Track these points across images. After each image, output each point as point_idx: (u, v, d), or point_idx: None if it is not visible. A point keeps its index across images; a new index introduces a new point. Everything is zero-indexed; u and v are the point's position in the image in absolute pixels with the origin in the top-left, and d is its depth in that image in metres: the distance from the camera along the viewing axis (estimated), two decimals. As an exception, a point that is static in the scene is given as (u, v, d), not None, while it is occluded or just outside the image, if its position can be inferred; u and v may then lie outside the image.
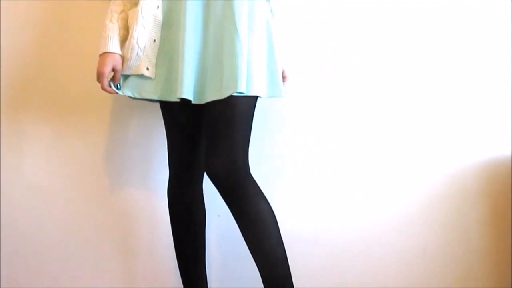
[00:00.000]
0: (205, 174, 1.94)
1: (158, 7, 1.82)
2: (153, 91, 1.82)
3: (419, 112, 2.16)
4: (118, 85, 1.83)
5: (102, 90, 2.13)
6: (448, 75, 2.16)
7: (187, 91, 1.74)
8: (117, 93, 1.83)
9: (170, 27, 1.83)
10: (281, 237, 1.75)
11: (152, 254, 2.18)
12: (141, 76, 1.82)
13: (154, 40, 1.82)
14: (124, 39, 1.83)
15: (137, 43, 1.80)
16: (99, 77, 1.81)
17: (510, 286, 2.16)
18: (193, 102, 1.77)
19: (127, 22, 1.85)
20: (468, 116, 2.16)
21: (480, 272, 2.18)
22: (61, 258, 2.18)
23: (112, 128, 2.16)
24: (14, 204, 2.17)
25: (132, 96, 1.84)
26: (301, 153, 2.17)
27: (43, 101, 2.15)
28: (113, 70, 1.82)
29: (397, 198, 2.17)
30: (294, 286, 2.17)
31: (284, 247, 1.77)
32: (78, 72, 2.15)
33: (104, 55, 1.81)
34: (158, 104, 1.99)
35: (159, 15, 1.82)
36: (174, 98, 1.78)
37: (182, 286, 1.99)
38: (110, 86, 1.83)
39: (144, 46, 1.81)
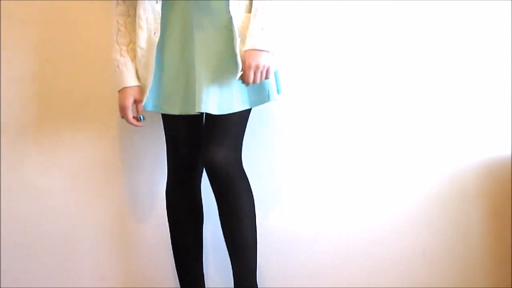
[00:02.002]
0: (202, 176, 1.99)
1: (154, 33, 1.84)
2: (173, 107, 1.87)
3: (418, 112, 2.16)
4: (141, 116, 1.90)
5: (102, 91, 2.14)
6: (448, 75, 2.16)
7: (205, 106, 1.79)
8: (140, 121, 1.91)
9: (185, 41, 1.85)
10: (255, 233, 1.89)
11: (151, 254, 2.18)
12: (160, 92, 1.87)
13: (151, 67, 1.85)
14: (136, 70, 1.89)
15: (140, 74, 1.88)
16: (123, 111, 1.89)
17: (510, 286, 2.16)
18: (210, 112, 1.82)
19: (135, 52, 1.89)
20: (468, 116, 2.16)
21: (480, 272, 2.18)
22: (61, 258, 2.18)
23: (111, 129, 2.16)
24: (14, 204, 2.16)
25: (154, 111, 1.90)
26: (301, 154, 2.17)
27: (43, 101, 2.15)
28: (134, 101, 1.89)
29: (397, 199, 2.17)
30: (294, 286, 2.18)
31: (255, 239, 1.89)
32: (78, 72, 2.15)
33: (123, 90, 1.88)
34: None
35: (155, 40, 1.84)
36: (194, 112, 1.81)
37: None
38: (134, 118, 1.90)
39: (145, 74, 1.87)
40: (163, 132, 1.98)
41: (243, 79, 1.78)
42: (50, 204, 2.17)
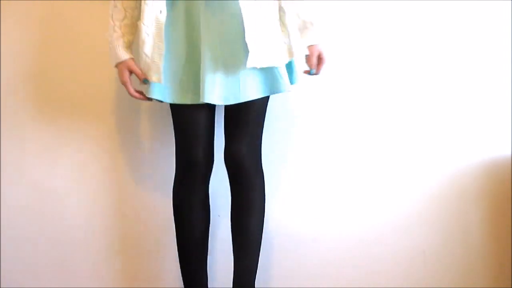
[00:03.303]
0: (211, 174, 1.95)
1: (161, 11, 1.80)
2: (185, 96, 1.82)
3: (419, 112, 2.16)
4: (145, 80, 1.83)
5: (102, 90, 2.14)
6: (448, 75, 2.16)
7: (210, 96, 1.77)
8: (148, 98, 1.84)
9: (192, 29, 1.81)
10: (260, 232, 1.92)
11: (152, 254, 2.17)
12: (170, 79, 1.81)
13: (159, 47, 1.80)
14: (129, 44, 1.86)
15: (144, 52, 1.81)
16: (125, 86, 1.85)
17: (510, 286, 2.16)
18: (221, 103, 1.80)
19: (131, 28, 1.86)
20: (468, 116, 2.16)
21: (480, 272, 2.18)
22: (61, 258, 2.18)
23: (112, 128, 2.16)
24: (14, 204, 2.16)
25: (162, 101, 1.84)
26: (301, 154, 2.17)
27: (43, 101, 2.15)
28: (131, 72, 1.84)
29: (397, 198, 2.17)
30: (294, 287, 2.18)
31: (261, 239, 1.92)
32: (79, 72, 2.15)
33: (118, 66, 1.85)
34: (161, 104, 1.99)
35: (162, 19, 1.79)
36: (206, 101, 1.77)
37: (182, 286, 1.99)
38: (137, 92, 1.86)
39: (151, 53, 1.81)
40: (166, 130, 1.96)
41: (314, 71, 1.90)
42: (51, 204, 2.17)
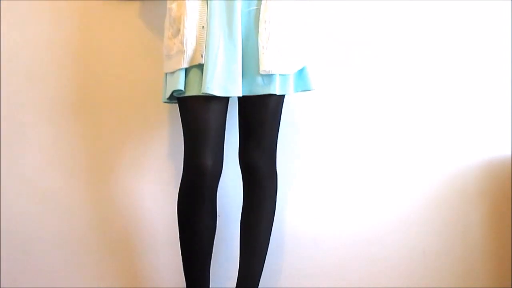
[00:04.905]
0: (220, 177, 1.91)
1: None
2: (219, 87, 1.71)
3: (419, 112, 2.16)
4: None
5: (103, 89, 2.14)
6: (448, 75, 2.16)
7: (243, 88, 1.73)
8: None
9: (229, 18, 1.74)
10: (269, 236, 1.93)
11: (152, 254, 2.17)
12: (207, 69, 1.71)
13: (203, 27, 1.73)
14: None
15: (186, 32, 1.73)
16: None
17: (510, 286, 2.16)
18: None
19: None
20: (468, 116, 2.16)
21: (480, 272, 2.18)
22: (61, 258, 2.18)
23: (112, 128, 2.16)
24: (14, 204, 2.16)
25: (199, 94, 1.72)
26: (301, 154, 2.17)
27: (43, 101, 2.15)
28: None
29: (397, 198, 2.17)
30: (294, 286, 2.18)
31: (268, 242, 1.93)
32: (79, 71, 2.14)
33: None
34: (163, 103, 1.99)
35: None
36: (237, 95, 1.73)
37: (182, 286, 1.99)
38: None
39: (196, 34, 1.73)
40: (167, 130, 1.95)
41: None
42: (50, 204, 2.17)
